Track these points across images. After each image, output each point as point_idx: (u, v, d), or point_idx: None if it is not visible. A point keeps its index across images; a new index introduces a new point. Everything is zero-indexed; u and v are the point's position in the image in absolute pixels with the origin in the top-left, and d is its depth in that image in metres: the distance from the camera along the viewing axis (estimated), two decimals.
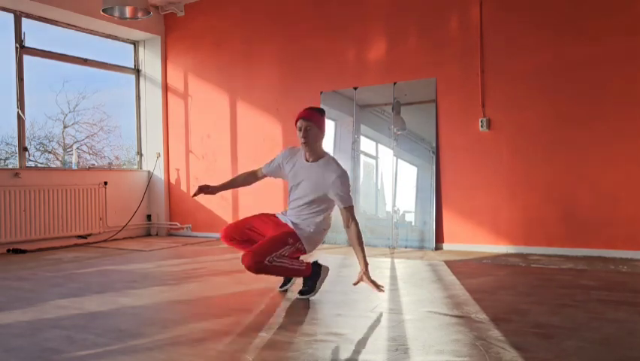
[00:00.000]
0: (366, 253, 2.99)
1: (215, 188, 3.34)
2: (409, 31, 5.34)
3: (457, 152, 5.09)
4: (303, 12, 5.90)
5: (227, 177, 6.28)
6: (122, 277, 3.96)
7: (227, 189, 3.47)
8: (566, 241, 4.61)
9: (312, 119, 3.07)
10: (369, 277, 2.92)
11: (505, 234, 4.87)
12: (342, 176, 3.03)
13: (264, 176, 3.41)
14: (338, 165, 3.10)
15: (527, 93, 4.77)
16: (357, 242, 2.98)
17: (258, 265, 2.89)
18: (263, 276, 3.82)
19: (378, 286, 2.90)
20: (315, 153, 3.12)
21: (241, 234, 3.20)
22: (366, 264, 2.95)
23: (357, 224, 3.02)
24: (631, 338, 2.26)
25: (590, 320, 2.53)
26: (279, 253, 2.96)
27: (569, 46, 4.61)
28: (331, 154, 3.22)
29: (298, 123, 3.09)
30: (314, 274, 3.14)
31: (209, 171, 6.51)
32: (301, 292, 3.15)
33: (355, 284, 3.00)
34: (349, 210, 3.01)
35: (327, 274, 3.22)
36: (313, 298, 3.12)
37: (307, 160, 3.15)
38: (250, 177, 3.45)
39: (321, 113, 3.15)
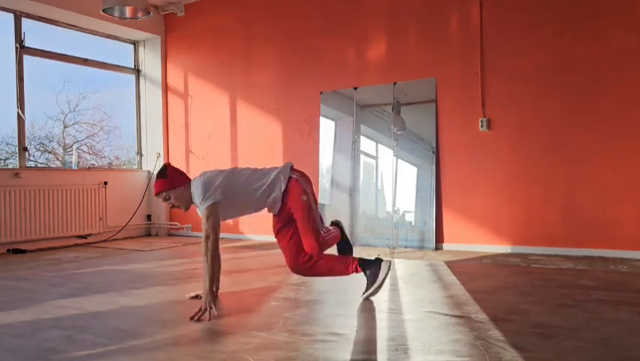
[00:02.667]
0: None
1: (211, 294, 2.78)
2: (409, 30, 5.34)
3: (457, 152, 5.09)
4: (302, 12, 5.90)
5: None
6: (122, 277, 3.96)
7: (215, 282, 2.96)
8: (566, 241, 4.60)
9: (161, 190, 2.92)
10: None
11: (505, 234, 4.87)
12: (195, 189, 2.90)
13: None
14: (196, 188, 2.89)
15: (527, 93, 4.77)
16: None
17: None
18: (262, 276, 3.84)
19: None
20: (191, 199, 2.94)
21: None
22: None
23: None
24: (631, 338, 2.25)
25: (590, 320, 2.53)
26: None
27: (568, 45, 4.61)
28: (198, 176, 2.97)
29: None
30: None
31: None
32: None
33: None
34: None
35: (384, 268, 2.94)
36: (312, 298, 3.12)
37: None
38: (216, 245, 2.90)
39: (160, 176, 2.94)
